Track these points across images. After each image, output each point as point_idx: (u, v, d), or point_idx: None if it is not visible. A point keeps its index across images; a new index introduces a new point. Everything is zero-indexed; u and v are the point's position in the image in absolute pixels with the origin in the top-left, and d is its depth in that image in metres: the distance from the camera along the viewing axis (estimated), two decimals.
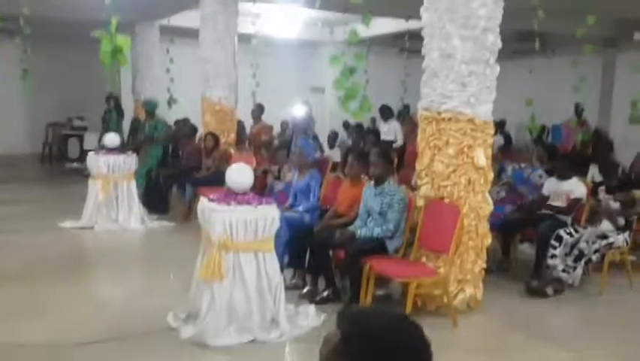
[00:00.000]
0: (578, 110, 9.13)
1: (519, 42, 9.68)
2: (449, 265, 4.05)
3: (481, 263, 4.25)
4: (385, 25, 9.39)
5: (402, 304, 3.98)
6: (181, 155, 8.13)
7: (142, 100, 9.42)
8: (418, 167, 4.37)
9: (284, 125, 9.94)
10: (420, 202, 4.29)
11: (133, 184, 6.82)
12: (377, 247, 4.15)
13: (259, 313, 3.61)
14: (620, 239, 4.87)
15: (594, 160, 7.01)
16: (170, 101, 9.25)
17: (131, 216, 6.69)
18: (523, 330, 4.03)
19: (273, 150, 7.45)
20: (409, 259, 4.29)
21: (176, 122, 9.39)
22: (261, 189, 5.86)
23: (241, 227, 3.54)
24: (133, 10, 8.38)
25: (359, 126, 9.46)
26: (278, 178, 5.99)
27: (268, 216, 3.64)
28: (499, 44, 4.14)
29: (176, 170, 7.72)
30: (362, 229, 4.27)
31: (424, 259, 4.24)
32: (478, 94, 4.09)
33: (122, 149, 7.03)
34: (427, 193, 4.23)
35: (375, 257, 4.07)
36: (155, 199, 7.39)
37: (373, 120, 11.20)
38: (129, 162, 6.81)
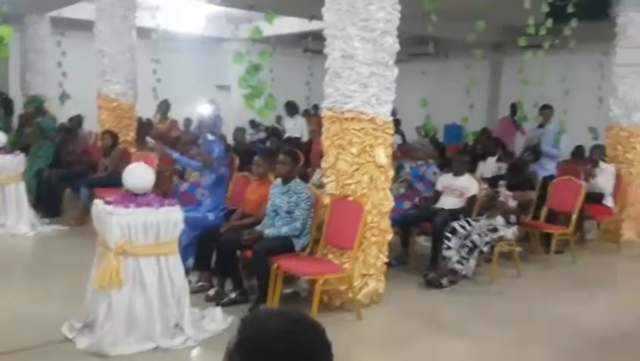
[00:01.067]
0: (514, 110, 9.71)
1: (414, 45, 10.15)
2: (354, 261, 4.16)
3: (384, 257, 4.41)
4: (290, 25, 9.44)
5: (309, 302, 4.04)
6: (66, 153, 7.66)
7: (28, 96, 8.78)
8: (323, 165, 4.45)
9: (187, 122, 9.68)
10: (326, 200, 4.37)
11: (22, 186, 6.34)
12: (284, 245, 4.17)
13: (162, 319, 3.48)
14: (510, 232, 5.26)
15: (483, 157, 7.53)
16: (63, 97, 8.68)
17: (21, 220, 6.23)
18: (421, 320, 4.23)
19: (182, 146, 7.22)
20: (315, 256, 4.35)
21: (70, 120, 8.81)
22: (167, 190, 5.66)
23: (141, 230, 3.40)
24: (21, 0, 7.76)
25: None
26: (182, 178, 5.81)
27: (171, 219, 3.53)
28: (397, 47, 4.31)
29: (70, 170, 7.26)
30: (270, 228, 4.27)
31: (330, 256, 4.32)
32: (378, 95, 4.23)
33: (9, 148, 6.50)
34: (333, 191, 4.32)
35: (283, 256, 4.09)
36: (46, 202, 6.91)
37: (279, 118, 11.22)
38: (17, 162, 6.32)
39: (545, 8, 5.72)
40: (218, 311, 3.96)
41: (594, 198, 6.40)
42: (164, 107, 8.45)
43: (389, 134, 4.36)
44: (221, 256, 4.36)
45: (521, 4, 5.53)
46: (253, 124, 11.03)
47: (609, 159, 6.88)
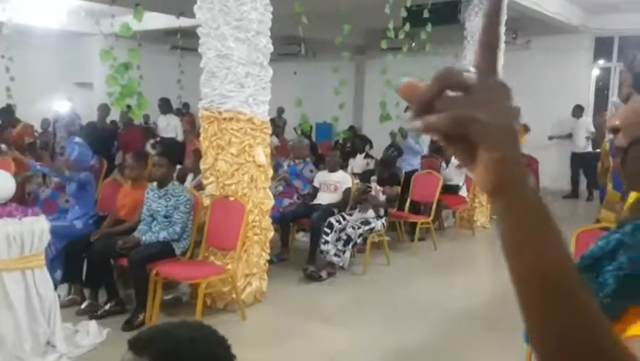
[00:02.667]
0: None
1: (285, 45, 10.32)
2: (237, 261, 4.16)
3: (266, 256, 4.47)
4: (157, 21, 9.10)
5: (192, 306, 3.96)
6: None
7: None
8: (202, 166, 4.38)
9: (44, 124, 8.88)
10: (206, 201, 4.31)
11: None
12: (163, 251, 4.04)
13: (32, 337, 3.21)
14: (379, 224, 5.61)
15: (353, 154, 7.92)
16: None
17: None
18: (304, 314, 4.35)
19: (37, 152, 6.61)
20: (197, 259, 4.27)
21: None
22: (21, 198, 5.15)
23: (3, 243, 3.10)
24: None
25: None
26: (44, 184, 5.34)
27: (36, 229, 3.25)
28: (270, 47, 4.37)
29: None
30: (147, 234, 4.10)
31: (212, 258, 4.28)
32: (255, 95, 4.26)
33: None
34: (213, 192, 4.27)
35: (162, 262, 3.96)
36: None
37: (146, 117, 10.74)
38: None
39: (404, 13, 6.17)
40: (92, 325, 3.74)
41: (451, 189, 7.04)
42: (7, 113, 7.70)
43: (267, 134, 4.42)
44: (93, 267, 4.10)
45: (382, 8, 5.90)
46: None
47: None
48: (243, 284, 4.27)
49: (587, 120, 9.63)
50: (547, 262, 0.50)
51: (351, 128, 11.86)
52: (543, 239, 0.50)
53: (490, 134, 0.50)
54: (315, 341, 3.88)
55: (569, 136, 9.76)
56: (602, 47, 10.41)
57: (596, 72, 10.77)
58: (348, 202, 5.72)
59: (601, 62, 10.64)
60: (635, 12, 8.82)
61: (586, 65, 10.51)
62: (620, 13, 9.02)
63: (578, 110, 9.60)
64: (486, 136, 0.50)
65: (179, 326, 1.03)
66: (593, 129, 9.46)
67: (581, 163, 9.64)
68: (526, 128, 7.90)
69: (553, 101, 9.72)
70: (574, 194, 9.86)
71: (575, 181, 9.93)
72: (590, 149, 9.42)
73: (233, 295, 4.16)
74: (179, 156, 6.08)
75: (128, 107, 5.29)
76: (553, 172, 9.94)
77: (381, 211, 5.69)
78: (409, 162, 7.30)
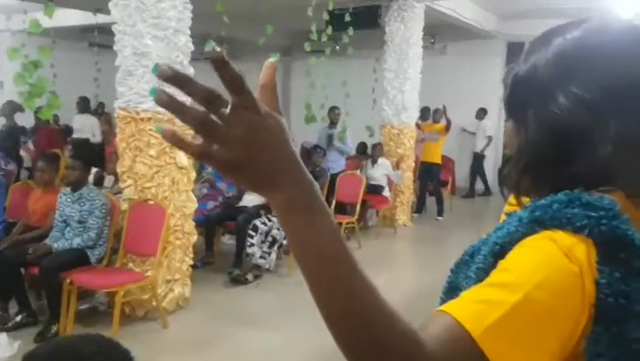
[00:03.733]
0: (429, 112, 10.08)
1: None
2: (157, 268, 4.03)
3: (189, 261, 4.36)
4: (72, 18, 8.67)
5: (109, 315, 3.80)
6: None
7: None
8: (119, 169, 4.21)
9: None
10: (124, 206, 4.14)
11: None
12: (78, 258, 3.84)
13: None
14: None
15: None
16: None
17: None
18: (229, 318, 4.28)
19: None
20: (114, 267, 4.10)
21: None
22: None
23: None
24: None
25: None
26: None
27: None
28: (191, 46, 4.28)
29: None
30: (60, 241, 3.88)
31: (130, 265, 4.12)
32: (175, 94, 4.13)
33: None
34: (131, 196, 4.11)
35: (76, 270, 3.76)
36: None
37: (56, 118, 10.18)
38: None
39: (326, 16, 6.23)
40: (2, 337, 3.50)
41: (375, 189, 7.20)
42: None
43: (189, 135, 4.30)
44: (2, 276, 3.83)
45: (305, 11, 5.93)
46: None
47: (384, 154, 7.78)
48: (164, 291, 4.15)
49: (488, 123, 10.12)
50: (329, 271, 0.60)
51: None
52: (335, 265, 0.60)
53: (253, 181, 0.56)
54: (241, 345, 3.84)
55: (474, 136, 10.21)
56: (514, 51, 11.01)
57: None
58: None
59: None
60: (544, 18, 9.40)
61: (499, 69, 11.09)
62: (531, 20, 9.59)
63: (481, 113, 10.03)
64: (250, 183, 0.56)
65: (79, 339, 0.98)
66: (490, 133, 9.97)
67: (476, 163, 10.12)
68: (446, 128, 8.22)
69: (469, 104, 10.15)
70: (471, 193, 10.22)
71: (471, 181, 10.31)
72: (485, 151, 9.92)
73: (154, 303, 4.02)
74: (95, 158, 5.82)
75: (38, 107, 5.00)
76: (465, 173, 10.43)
77: None
78: (337, 163, 7.39)
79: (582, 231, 0.63)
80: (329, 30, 6.22)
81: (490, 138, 10.02)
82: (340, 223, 6.40)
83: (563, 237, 0.64)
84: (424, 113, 9.00)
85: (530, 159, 0.73)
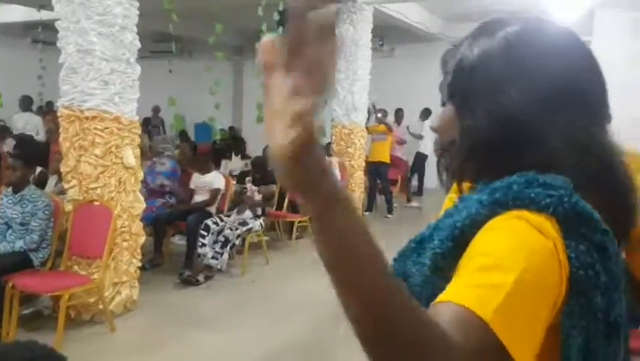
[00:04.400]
0: (399, 114, 9.87)
1: (158, 42, 9.96)
2: (104, 270, 3.93)
3: (137, 262, 4.28)
4: (15, 14, 8.33)
5: (54, 320, 3.68)
6: None
7: None
8: (63, 169, 4.08)
9: None
10: (68, 207, 4.02)
11: None
12: (21, 261, 3.70)
13: None
14: (257, 224, 5.62)
15: (229, 156, 7.85)
16: None
17: None
18: (179, 320, 4.22)
19: None
20: (58, 270, 3.98)
21: None
22: None
23: None
24: None
25: None
26: None
27: None
28: (137, 44, 4.20)
29: None
30: (1, 244, 3.74)
31: (75, 268, 4.00)
32: (122, 92, 4.07)
33: None
34: (76, 197, 4.00)
35: (19, 273, 3.63)
36: None
37: None
38: None
39: (277, 16, 6.23)
40: None
41: None
42: None
43: (136, 134, 4.23)
44: None
45: (256, 10, 5.91)
46: None
47: (335, 153, 7.86)
48: (111, 294, 4.05)
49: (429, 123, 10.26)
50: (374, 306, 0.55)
51: (231, 128, 11.76)
52: (363, 275, 0.55)
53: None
54: (190, 348, 3.78)
55: (420, 137, 10.03)
56: None
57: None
58: (214, 202, 5.65)
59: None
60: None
61: None
62: (474, 23, 9.88)
63: (425, 113, 10.02)
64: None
65: (11, 347, 0.96)
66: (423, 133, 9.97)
67: (419, 162, 10.18)
68: (389, 129, 8.38)
69: (417, 105, 10.32)
70: (419, 192, 10.35)
71: (414, 178, 10.40)
72: (427, 150, 9.85)
73: (101, 306, 3.93)
74: (39, 157, 5.62)
75: None
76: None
77: (259, 211, 5.71)
78: None
79: (546, 209, 0.65)
80: (280, 30, 6.22)
81: (421, 137, 9.92)
82: (293, 222, 6.43)
83: (530, 215, 0.65)
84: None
85: (475, 144, 0.75)
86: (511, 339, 0.59)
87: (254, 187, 5.74)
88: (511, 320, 0.59)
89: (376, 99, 8.61)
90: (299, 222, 6.44)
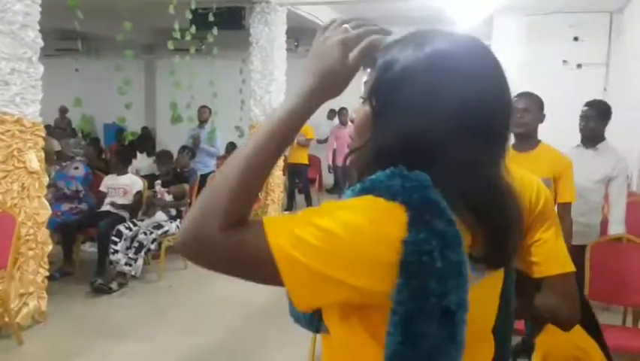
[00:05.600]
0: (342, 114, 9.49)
1: (63, 40, 9.45)
2: (9, 281, 3.71)
3: (44, 272, 4.07)
4: None
5: None
6: None
7: None
8: None
9: None
10: None
11: None
12: None
13: None
14: (173, 227, 5.51)
15: (134, 154, 7.58)
16: None
17: None
18: (92, 330, 4.06)
19: None
20: None
21: None
22: None
23: None
24: None
25: None
26: None
27: None
28: (40, 42, 4.00)
29: None
30: None
31: None
32: (23, 93, 3.85)
33: None
34: None
35: None
36: None
37: None
38: None
39: (189, 15, 6.13)
40: None
41: None
42: None
43: (40, 137, 4.02)
44: None
45: (167, 8, 5.78)
46: None
47: None
48: (17, 306, 3.83)
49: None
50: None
51: (144, 129, 11.37)
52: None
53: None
54: (104, 359, 3.65)
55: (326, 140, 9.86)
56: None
57: (364, 78, 11.98)
58: (140, 206, 5.51)
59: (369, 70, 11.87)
60: (392, 25, 10.01)
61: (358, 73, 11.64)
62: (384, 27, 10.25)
63: (331, 114, 10.11)
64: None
65: None
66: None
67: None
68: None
69: (329, 105, 10.52)
70: (336, 189, 10.48)
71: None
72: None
73: (7, 319, 3.70)
74: None
75: None
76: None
77: (173, 212, 5.60)
78: (205, 164, 7.31)
79: (396, 198, 0.73)
80: (193, 29, 6.13)
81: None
82: None
83: (382, 201, 0.73)
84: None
85: (380, 152, 0.80)
86: (286, 275, 0.74)
87: (162, 188, 5.62)
88: (293, 257, 0.72)
89: None
90: None
